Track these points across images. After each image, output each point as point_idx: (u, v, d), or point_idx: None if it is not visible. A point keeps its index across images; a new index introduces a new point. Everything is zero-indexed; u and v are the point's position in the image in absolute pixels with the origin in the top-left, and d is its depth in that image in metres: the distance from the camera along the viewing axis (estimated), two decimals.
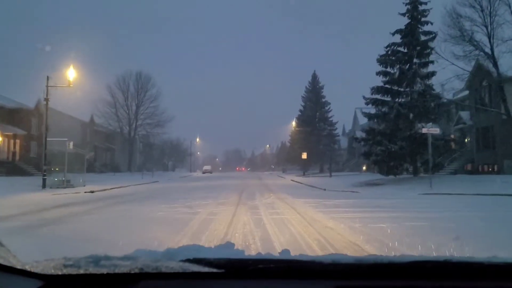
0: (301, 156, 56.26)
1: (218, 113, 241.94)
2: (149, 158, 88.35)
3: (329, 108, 53.01)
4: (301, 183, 31.94)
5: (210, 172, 78.61)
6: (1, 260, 1.29)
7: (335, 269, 1.43)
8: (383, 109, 24.00)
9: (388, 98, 24.04)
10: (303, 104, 54.00)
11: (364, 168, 51.68)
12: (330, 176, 38.99)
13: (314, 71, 53.67)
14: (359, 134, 53.31)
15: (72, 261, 1.40)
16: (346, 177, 38.30)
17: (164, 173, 67.64)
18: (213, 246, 2.09)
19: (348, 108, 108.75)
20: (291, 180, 39.10)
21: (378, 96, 24.10)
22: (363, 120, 57.04)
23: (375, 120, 24.28)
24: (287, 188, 24.56)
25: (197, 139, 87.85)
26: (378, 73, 23.77)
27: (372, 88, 23.73)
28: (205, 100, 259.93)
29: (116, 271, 1.34)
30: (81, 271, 1.34)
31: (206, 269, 1.37)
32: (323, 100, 52.84)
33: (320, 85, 53.05)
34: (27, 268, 1.34)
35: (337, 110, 56.62)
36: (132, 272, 1.34)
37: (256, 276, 1.42)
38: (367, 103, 24.22)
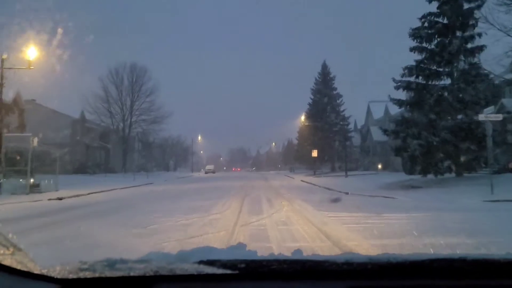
0: (310, 154, 51.72)
1: (222, 111, 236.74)
2: (148, 158, 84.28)
3: (341, 101, 48.20)
4: (314, 184, 27.45)
5: (213, 172, 74.15)
6: (20, 265, 1.31)
7: (349, 269, 1.39)
8: (415, 95, 19.43)
9: (422, 81, 19.44)
10: (312, 97, 49.16)
11: (379, 166, 47.32)
12: (346, 176, 34.42)
13: (324, 60, 48.85)
14: (380, 127, 48.29)
15: (88, 265, 1.41)
16: (364, 177, 33.77)
17: (164, 174, 63.70)
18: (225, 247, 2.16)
19: (359, 103, 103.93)
20: (302, 180, 34.60)
21: (411, 79, 19.51)
22: (378, 114, 52.45)
23: (407, 108, 19.57)
24: (300, 191, 20.12)
25: (199, 137, 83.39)
26: (412, 49, 19.09)
27: (405, 68, 19.07)
28: (209, 97, 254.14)
29: (131, 274, 1.34)
30: (97, 275, 1.34)
31: (220, 271, 1.37)
32: (335, 92, 48.02)
33: (331, 76, 48.23)
34: (44, 272, 1.35)
35: (347, 105, 51.87)
36: (147, 274, 1.34)
37: (270, 277, 1.41)
38: (397, 87, 19.62)
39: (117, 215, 10.52)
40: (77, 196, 18.61)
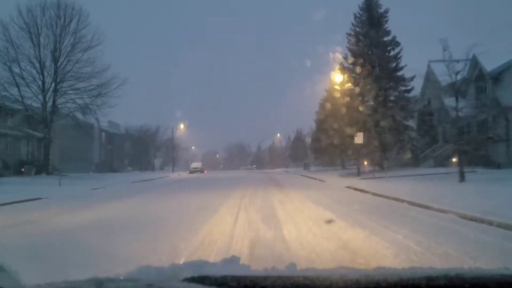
0: (337, 142, 33.33)
1: (218, 102, 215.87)
2: (118, 154, 66.06)
3: (398, 53, 29.20)
4: (433, 208, 8.81)
5: (201, 171, 55.42)
6: (5, 284, 1.30)
7: (345, 286, 1.37)
8: None
9: None
10: (350, 45, 29.92)
11: (454, 160, 28.88)
12: (462, 179, 15.75)
13: None
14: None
15: (74, 284, 1.38)
16: (495, 180, 15.37)
17: (130, 175, 45.37)
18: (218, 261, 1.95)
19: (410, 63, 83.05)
20: (358, 190, 16.03)
21: None
22: (448, 79, 33.96)
23: None
24: None
25: (181, 126, 64.33)
26: None
27: None
28: (204, 87, 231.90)
29: None
30: None
31: None
32: (387, 38, 29.04)
33: (380, 10, 29.31)
34: None
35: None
36: None
37: None
38: None
39: None
40: None
